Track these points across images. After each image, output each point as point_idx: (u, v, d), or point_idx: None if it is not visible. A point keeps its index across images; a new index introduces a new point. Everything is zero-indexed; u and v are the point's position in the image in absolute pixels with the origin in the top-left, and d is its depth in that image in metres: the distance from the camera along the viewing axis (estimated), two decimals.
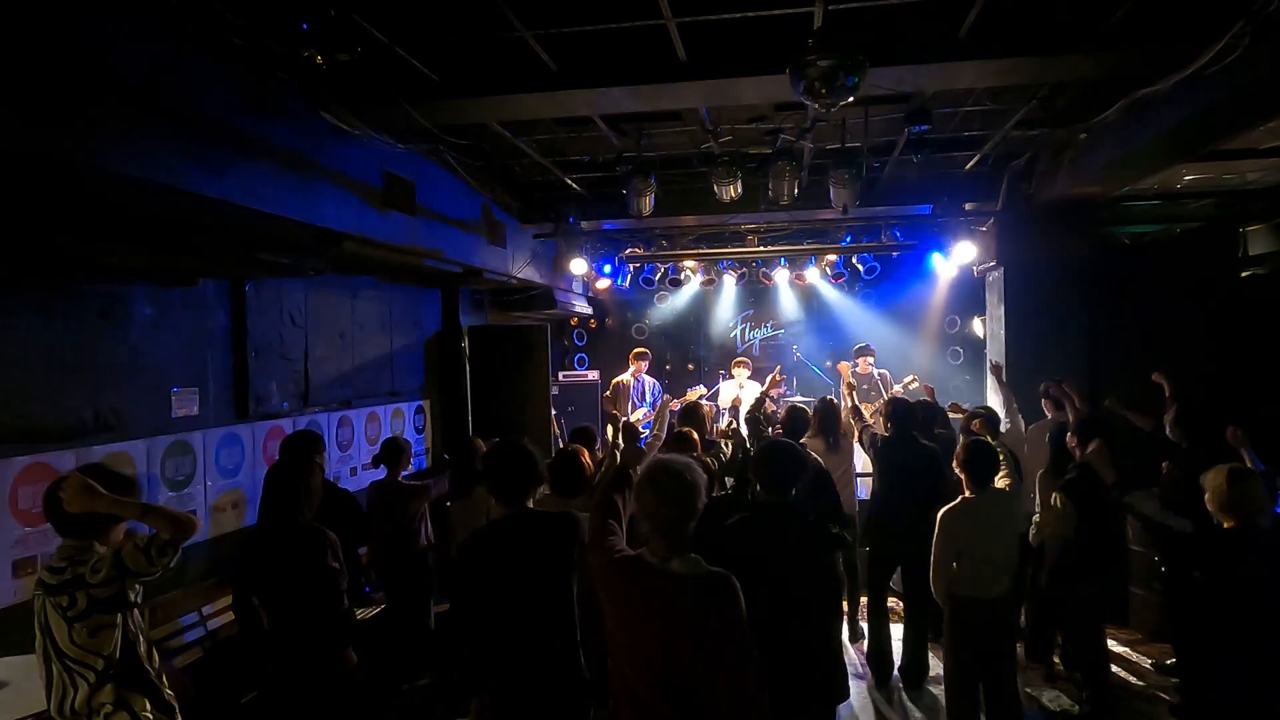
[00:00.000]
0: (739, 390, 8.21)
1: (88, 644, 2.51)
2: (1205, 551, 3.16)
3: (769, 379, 6.51)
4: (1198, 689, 3.41)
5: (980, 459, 3.86)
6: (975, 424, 5.12)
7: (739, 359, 8.69)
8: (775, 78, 3.87)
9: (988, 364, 7.11)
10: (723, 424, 5.52)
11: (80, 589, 2.49)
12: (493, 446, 2.95)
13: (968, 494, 3.88)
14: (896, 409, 5.12)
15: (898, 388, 7.55)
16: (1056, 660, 5.08)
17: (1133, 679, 5.00)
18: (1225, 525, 3.13)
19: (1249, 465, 3.91)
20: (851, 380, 6.22)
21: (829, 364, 10.53)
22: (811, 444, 5.64)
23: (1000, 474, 3.99)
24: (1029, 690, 4.87)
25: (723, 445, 5.23)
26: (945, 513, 3.88)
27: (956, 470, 3.94)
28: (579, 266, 7.71)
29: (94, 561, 2.53)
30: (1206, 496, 3.19)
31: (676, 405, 6.42)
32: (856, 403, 5.78)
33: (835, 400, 5.85)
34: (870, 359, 7.96)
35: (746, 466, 4.44)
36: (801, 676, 2.93)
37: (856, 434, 5.47)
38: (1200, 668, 3.24)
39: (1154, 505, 3.47)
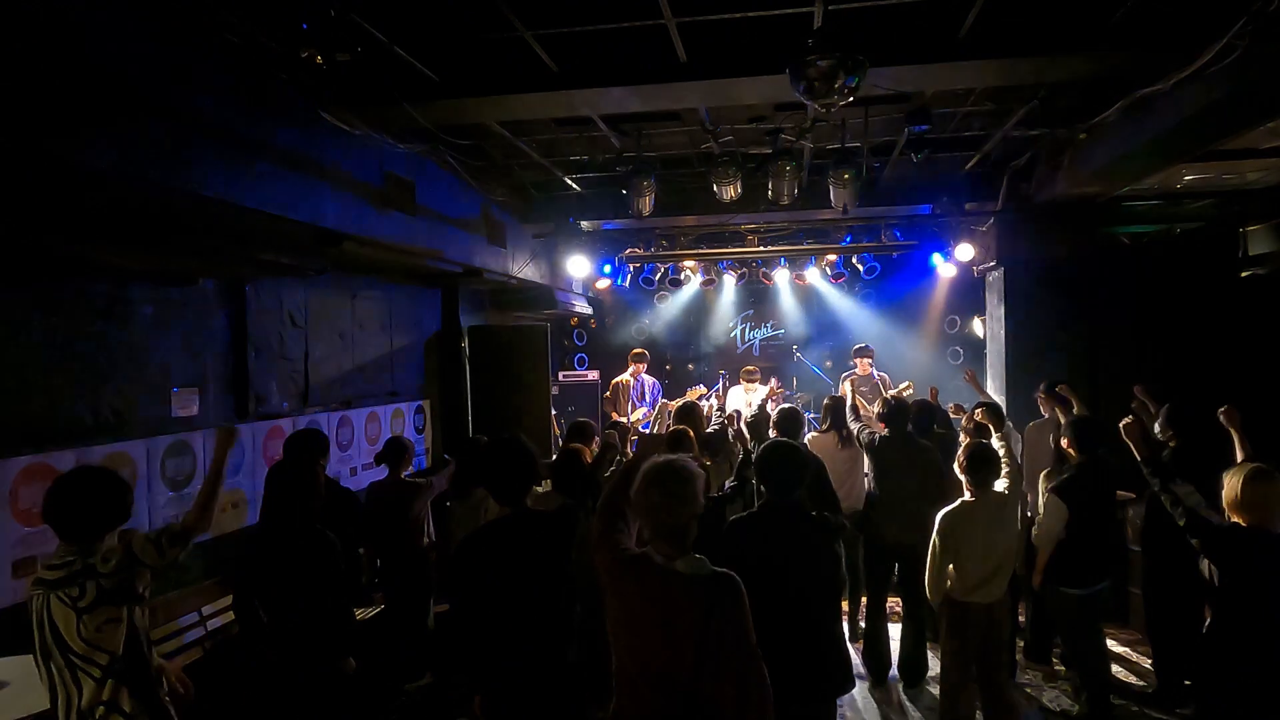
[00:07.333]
0: (746, 395, 8.09)
1: (94, 638, 2.50)
2: (1227, 548, 3.12)
3: (768, 390, 6.60)
4: (1203, 689, 3.40)
5: (981, 460, 3.86)
6: (979, 413, 4.98)
7: (753, 375, 8.34)
8: (775, 78, 3.86)
9: (963, 376, 6.75)
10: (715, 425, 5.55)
11: (90, 579, 2.49)
12: (490, 445, 2.92)
13: (968, 496, 3.88)
14: (892, 409, 5.12)
15: (892, 393, 7.47)
16: (1056, 660, 5.08)
17: (1133, 679, 5.00)
18: (1240, 524, 3.11)
19: (1241, 450, 3.89)
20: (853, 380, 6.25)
21: (828, 364, 10.54)
22: (824, 439, 5.67)
23: (1000, 476, 3.98)
24: (1028, 690, 4.88)
25: (733, 446, 5.22)
26: (943, 515, 3.88)
27: (958, 472, 3.94)
28: (579, 266, 7.71)
29: (104, 551, 2.54)
30: (1223, 494, 3.17)
31: (673, 408, 6.42)
32: (857, 402, 5.82)
33: (844, 397, 5.88)
34: (869, 360, 7.90)
35: (746, 466, 4.46)
36: (804, 670, 2.92)
37: (855, 433, 5.48)
38: (1206, 667, 3.22)
39: (1197, 497, 3.39)
